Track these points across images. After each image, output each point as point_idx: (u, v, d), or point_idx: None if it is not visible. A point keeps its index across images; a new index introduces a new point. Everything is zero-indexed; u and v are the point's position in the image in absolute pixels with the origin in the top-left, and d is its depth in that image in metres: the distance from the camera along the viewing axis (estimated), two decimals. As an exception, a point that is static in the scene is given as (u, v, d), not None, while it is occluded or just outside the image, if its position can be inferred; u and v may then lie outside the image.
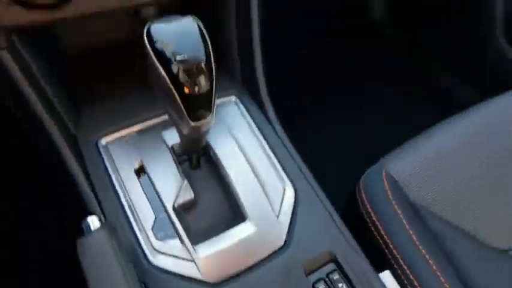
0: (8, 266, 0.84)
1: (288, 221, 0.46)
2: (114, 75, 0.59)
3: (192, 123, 0.37)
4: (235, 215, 0.47)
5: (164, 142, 0.49)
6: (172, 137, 0.49)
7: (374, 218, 0.51)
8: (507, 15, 1.00)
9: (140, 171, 0.48)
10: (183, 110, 0.36)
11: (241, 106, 0.56)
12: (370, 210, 0.52)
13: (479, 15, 1.02)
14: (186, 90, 0.35)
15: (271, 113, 0.55)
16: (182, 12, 0.39)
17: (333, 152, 1.01)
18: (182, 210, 0.46)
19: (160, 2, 0.50)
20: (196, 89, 0.35)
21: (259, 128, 0.54)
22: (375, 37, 1.30)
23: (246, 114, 0.55)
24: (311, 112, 1.09)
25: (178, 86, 0.35)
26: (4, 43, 0.40)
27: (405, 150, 0.60)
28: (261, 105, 0.57)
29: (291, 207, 0.47)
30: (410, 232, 0.50)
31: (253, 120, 0.54)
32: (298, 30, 1.26)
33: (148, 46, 0.35)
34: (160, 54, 0.34)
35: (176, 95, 0.35)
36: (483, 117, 0.64)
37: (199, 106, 0.37)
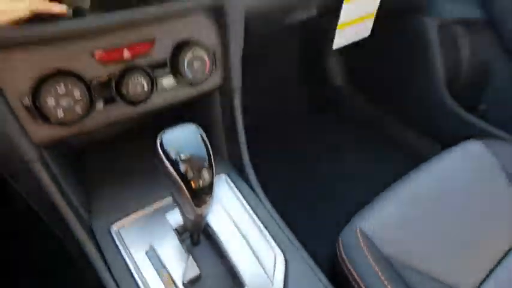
0: None
1: (281, 285, 0.53)
2: (120, 159, 0.68)
3: (198, 210, 0.45)
4: (234, 284, 0.54)
5: (169, 224, 0.57)
6: (175, 218, 0.57)
7: (356, 277, 0.59)
8: (448, 73, 1.17)
9: (150, 252, 0.55)
10: (190, 200, 0.44)
11: (231, 183, 0.65)
12: (350, 268, 0.60)
13: (424, 72, 1.19)
14: (193, 184, 0.44)
15: (258, 188, 0.64)
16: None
17: (313, 211, 1.10)
18: (190, 284, 0.52)
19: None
20: (200, 182, 0.44)
21: (248, 203, 0.62)
22: (336, 103, 1.46)
23: (236, 190, 0.64)
24: (290, 179, 1.20)
25: (186, 182, 0.43)
26: (35, 156, 0.48)
27: (374, 207, 0.70)
28: (247, 181, 0.66)
29: (283, 274, 0.54)
30: (386, 284, 0.57)
31: (243, 195, 0.63)
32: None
33: (161, 152, 0.44)
34: (170, 158, 0.44)
35: (185, 189, 0.44)
36: (439, 170, 0.75)
37: (203, 194, 0.45)
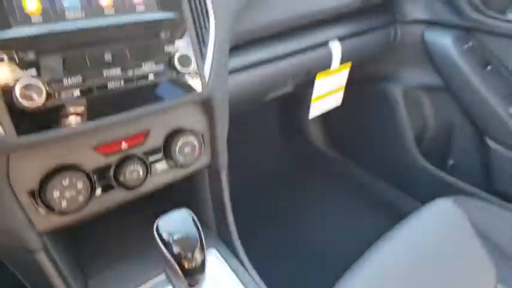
0: None
1: None
2: (113, 235, 0.71)
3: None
4: None
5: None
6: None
7: None
8: (417, 130, 1.27)
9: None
10: (184, 279, 0.48)
11: (220, 257, 0.69)
12: None
13: (394, 132, 1.28)
14: (186, 265, 0.48)
15: (245, 260, 0.68)
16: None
17: (297, 276, 1.12)
18: None
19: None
20: (193, 263, 0.48)
21: (237, 276, 0.66)
22: (316, 162, 1.55)
23: (225, 264, 0.67)
24: (272, 239, 1.23)
25: (180, 263, 0.48)
26: (40, 245, 0.51)
27: (353, 273, 0.73)
28: (235, 253, 0.70)
29: None
30: None
31: (231, 269, 0.67)
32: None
33: (156, 236, 0.48)
34: (165, 240, 0.48)
35: (178, 269, 0.48)
36: (410, 234, 0.80)
37: (195, 273, 0.49)
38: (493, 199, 1.11)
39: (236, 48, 0.77)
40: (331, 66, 0.98)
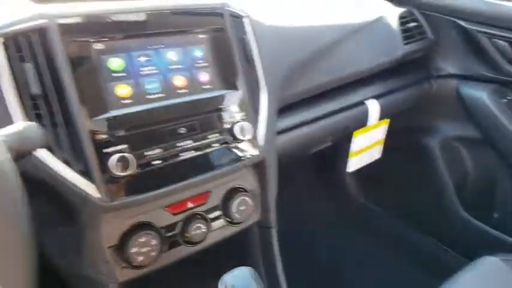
0: None
1: None
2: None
3: None
4: None
5: None
6: None
7: None
8: (457, 182, 1.26)
9: None
10: None
11: None
12: None
13: (434, 184, 1.28)
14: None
15: None
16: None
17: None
18: None
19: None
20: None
21: None
22: (352, 212, 1.55)
23: None
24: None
25: None
26: None
27: None
28: None
29: None
30: None
31: None
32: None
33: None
34: None
35: None
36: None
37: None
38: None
39: (281, 110, 0.85)
40: (368, 123, 1.04)
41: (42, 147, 0.46)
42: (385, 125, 1.11)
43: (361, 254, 1.38)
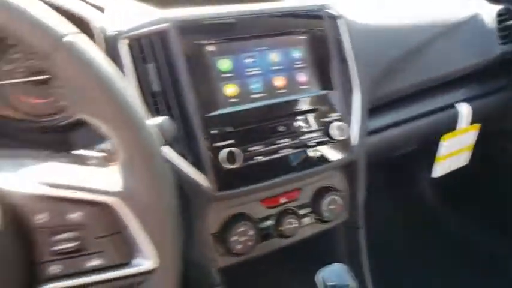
0: None
1: None
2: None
3: None
4: None
5: None
6: None
7: None
8: None
9: None
10: None
11: None
12: None
13: None
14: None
15: None
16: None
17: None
18: None
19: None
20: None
21: None
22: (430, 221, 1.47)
23: None
24: None
25: None
26: (220, 281, 0.62)
27: None
28: None
29: None
30: None
31: None
32: None
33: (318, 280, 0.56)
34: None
35: None
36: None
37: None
38: None
39: (370, 111, 0.84)
40: (457, 127, 0.99)
41: (173, 140, 0.52)
42: (475, 130, 1.05)
43: (438, 260, 1.32)
